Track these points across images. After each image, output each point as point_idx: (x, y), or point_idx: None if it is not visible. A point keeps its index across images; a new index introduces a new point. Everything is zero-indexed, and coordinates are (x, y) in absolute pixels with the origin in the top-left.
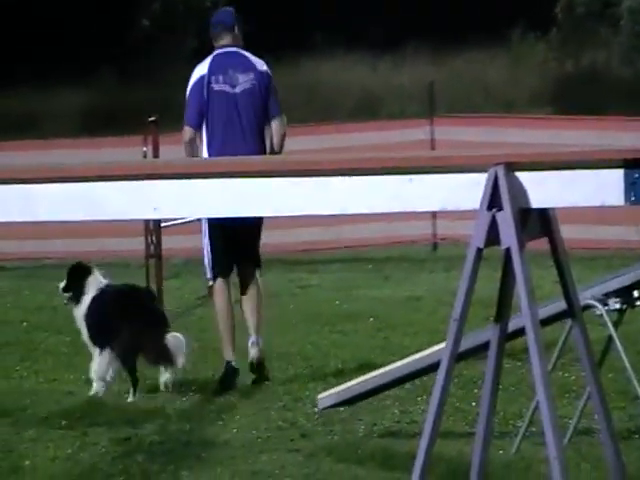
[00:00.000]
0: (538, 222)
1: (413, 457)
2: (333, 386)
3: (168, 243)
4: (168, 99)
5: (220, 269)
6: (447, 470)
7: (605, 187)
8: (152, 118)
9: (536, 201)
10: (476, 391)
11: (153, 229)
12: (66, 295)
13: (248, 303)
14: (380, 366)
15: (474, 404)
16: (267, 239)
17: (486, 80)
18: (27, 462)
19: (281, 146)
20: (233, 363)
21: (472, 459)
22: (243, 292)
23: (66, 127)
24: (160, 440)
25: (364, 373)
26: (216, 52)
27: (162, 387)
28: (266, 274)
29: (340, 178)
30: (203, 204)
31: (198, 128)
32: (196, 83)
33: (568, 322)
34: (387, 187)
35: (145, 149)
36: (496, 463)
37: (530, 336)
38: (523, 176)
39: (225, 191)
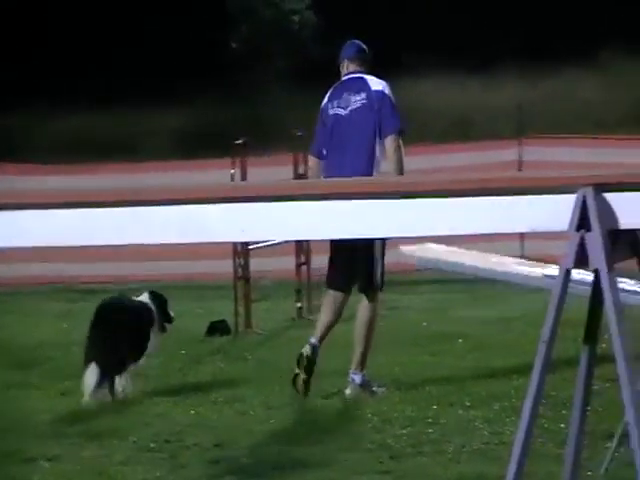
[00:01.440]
0: (627, 243)
1: (502, 478)
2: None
3: (257, 265)
4: (258, 120)
5: (329, 281)
6: None
7: None
8: (239, 140)
9: (625, 222)
10: (565, 412)
11: (241, 251)
12: None
13: (355, 331)
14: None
15: (563, 425)
16: None
17: (577, 100)
18: None
19: (397, 163)
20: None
21: None
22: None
23: (159, 149)
24: (250, 462)
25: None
26: (340, 80)
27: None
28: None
29: (429, 199)
30: (290, 226)
31: (320, 156)
32: (319, 114)
33: None
34: (476, 208)
35: (232, 171)
36: None
37: (619, 357)
38: (612, 197)
39: (311, 213)
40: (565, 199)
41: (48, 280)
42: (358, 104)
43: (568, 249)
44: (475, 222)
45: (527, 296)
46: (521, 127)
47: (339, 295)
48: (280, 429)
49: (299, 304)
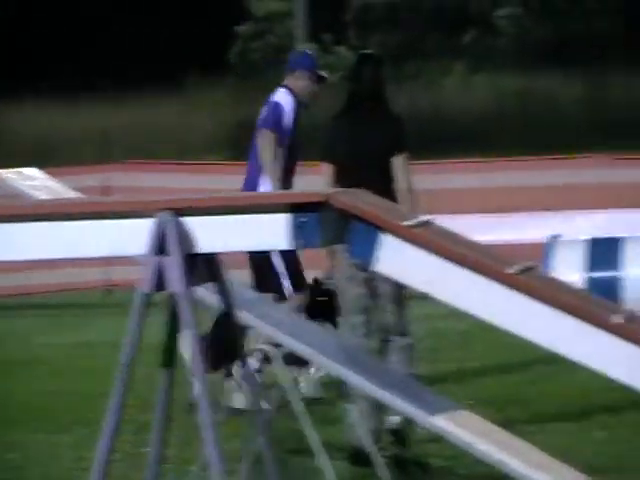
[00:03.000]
0: (205, 267)
1: None
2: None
3: None
4: None
5: None
6: None
7: (272, 231)
8: None
9: (204, 246)
10: (148, 436)
11: None
12: None
13: None
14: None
15: (145, 449)
16: None
17: (162, 126)
18: None
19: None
20: None
21: None
22: None
23: None
24: None
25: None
26: None
27: None
28: None
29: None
30: None
31: None
32: None
33: None
34: (55, 232)
35: None
36: None
37: (198, 381)
38: (191, 221)
39: None
40: (144, 223)
41: None
42: (260, 116)
43: (146, 273)
44: (55, 246)
45: (112, 321)
46: (106, 152)
47: None
48: None
49: None
